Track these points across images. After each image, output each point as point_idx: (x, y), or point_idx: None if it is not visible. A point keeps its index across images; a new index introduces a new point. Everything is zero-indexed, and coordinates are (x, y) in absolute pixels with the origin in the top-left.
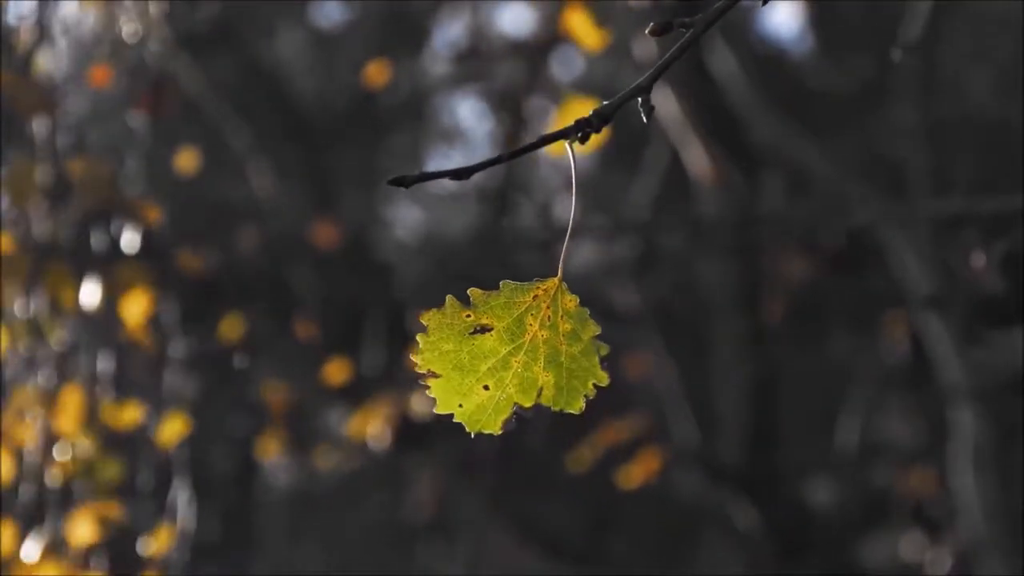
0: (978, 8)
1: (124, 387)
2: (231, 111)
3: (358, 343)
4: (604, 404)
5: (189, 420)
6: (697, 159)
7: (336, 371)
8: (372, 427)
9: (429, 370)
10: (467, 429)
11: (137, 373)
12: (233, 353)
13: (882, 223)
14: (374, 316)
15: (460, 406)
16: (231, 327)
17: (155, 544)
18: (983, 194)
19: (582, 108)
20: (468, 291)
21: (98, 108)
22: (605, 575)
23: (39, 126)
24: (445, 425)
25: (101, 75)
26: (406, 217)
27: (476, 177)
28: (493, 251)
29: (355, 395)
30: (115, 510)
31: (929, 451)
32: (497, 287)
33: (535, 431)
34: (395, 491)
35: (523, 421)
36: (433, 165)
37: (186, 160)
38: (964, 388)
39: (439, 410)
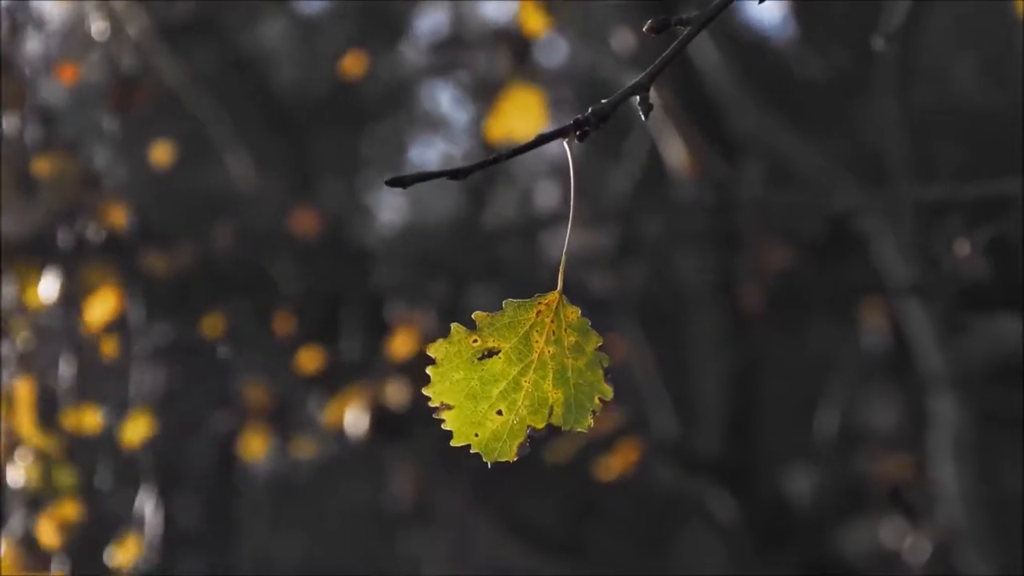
0: None
1: (86, 388)
2: (211, 101)
3: (337, 332)
4: None
5: (154, 420)
6: (676, 147)
7: (312, 359)
8: (350, 416)
9: (442, 402)
10: (484, 459)
11: (101, 372)
12: (212, 344)
13: (863, 210)
14: (353, 305)
15: (476, 436)
16: (211, 318)
17: (122, 554)
18: (966, 181)
19: (524, 97)
20: (473, 315)
21: (70, 103)
22: (584, 565)
23: (10, 121)
24: (423, 415)
25: (69, 72)
26: (387, 205)
27: (457, 163)
28: (474, 239)
29: (334, 384)
30: (76, 512)
31: (910, 440)
32: (478, 276)
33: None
34: (376, 481)
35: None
36: (415, 153)
37: (163, 152)
38: (945, 376)
39: (455, 443)
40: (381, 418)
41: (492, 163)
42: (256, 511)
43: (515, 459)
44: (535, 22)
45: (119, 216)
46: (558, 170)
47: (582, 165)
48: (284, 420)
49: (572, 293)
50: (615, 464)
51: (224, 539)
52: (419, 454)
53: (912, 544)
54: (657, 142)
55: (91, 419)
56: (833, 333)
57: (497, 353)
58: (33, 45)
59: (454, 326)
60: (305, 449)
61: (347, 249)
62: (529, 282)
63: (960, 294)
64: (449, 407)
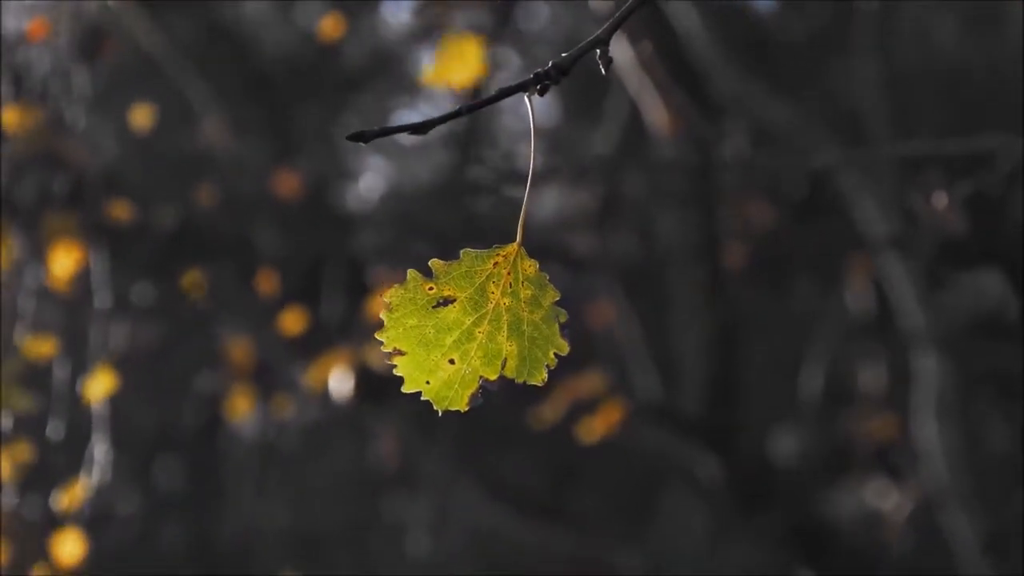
0: None
1: (45, 322)
2: (190, 66)
3: (319, 295)
4: (566, 357)
5: (117, 376)
6: (657, 107)
7: (294, 321)
8: (334, 379)
9: (395, 348)
10: (435, 407)
11: (68, 327)
12: (193, 304)
13: (843, 167)
14: (335, 267)
15: (427, 383)
16: (192, 281)
17: (67, 498)
18: (946, 137)
19: (465, 46)
20: (429, 262)
21: (43, 59)
22: (566, 528)
23: None
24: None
25: (38, 28)
26: (371, 168)
27: (440, 127)
28: (456, 201)
29: (316, 347)
30: (25, 451)
31: (893, 398)
32: (461, 238)
33: (496, 383)
34: (360, 446)
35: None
36: (398, 117)
37: (140, 114)
38: (927, 334)
39: (407, 389)
40: (364, 381)
41: (451, 117)
42: (241, 476)
43: (466, 408)
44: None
45: (85, 164)
46: (540, 131)
47: (563, 125)
48: (267, 382)
49: (554, 255)
50: (598, 426)
51: (208, 503)
52: (402, 418)
53: (896, 504)
54: (638, 102)
55: (44, 348)
56: (816, 292)
57: (452, 302)
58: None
59: (410, 272)
60: (287, 408)
61: (329, 212)
62: (511, 242)
63: (940, 250)
64: (401, 353)
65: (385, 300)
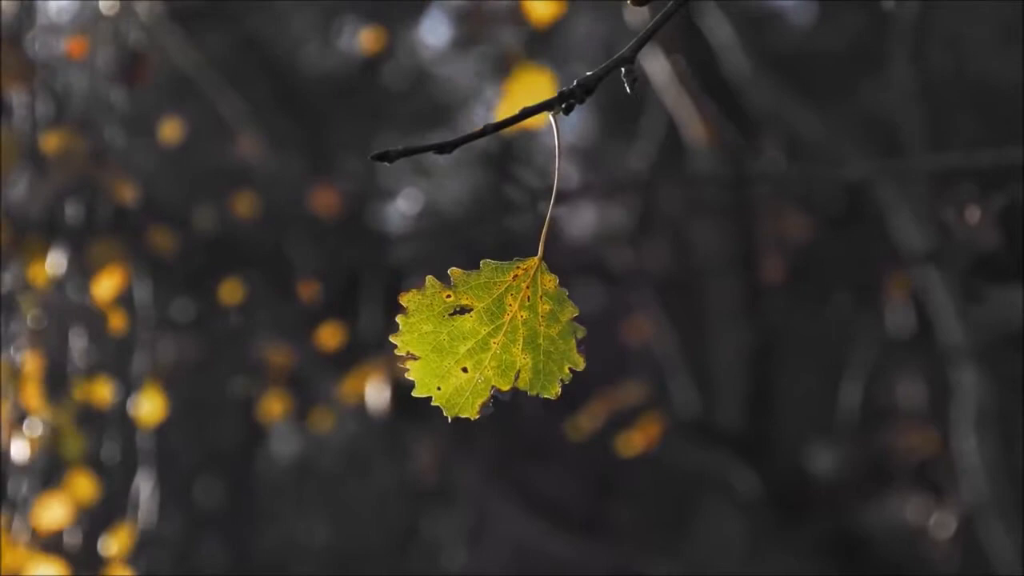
0: None
1: (97, 361)
2: (226, 82)
3: (356, 311)
4: (603, 371)
5: (165, 397)
6: (692, 122)
7: (331, 336)
8: (371, 393)
9: (408, 352)
10: (444, 413)
11: (113, 349)
12: (231, 320)
13: (878, 179)
14: (372, 282)
15: (438, 389)
16: (230, 293)
17: (116, 543)
18: (980, 148)
19: (536, 78)
20: (449, 271)
21: (81, 79)
22: (604, 541)
23: (20, 97)
24: None
25: (77, 47)
26: (408, 184)
27: (478, 142)
28: (493, 218)
29: (352, 361)
30: (87, 488)
31: (933, 413)
32: (497, 254)
33: (534, 398)
34: (397, 461)
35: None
36: (435, 134)
37: (175, 131)
38: (965, 347)
39: (417, 393)
40: (400, 395)
41: (476, 137)
42: (279, 492)
43: (476, 417)
44: (543, 9)
45: (127, 191)
46: (576, 148)
47: (601, 141)
48: (304, 396)
49: (591, 269)
50: (636, 440)
51: (247, 520)
52: (439, 432)
53: (937, 519)
54: (675, 116)
55: (102, 391)
56: (854, 305)
57: (469, 311)
58: (43, 20)
59: (429, 278)
60: (324, 422)
61: (366, 227)
62: (547, 258)
63: (976, 263)
64: (415, 358)
65: (402, 303)
